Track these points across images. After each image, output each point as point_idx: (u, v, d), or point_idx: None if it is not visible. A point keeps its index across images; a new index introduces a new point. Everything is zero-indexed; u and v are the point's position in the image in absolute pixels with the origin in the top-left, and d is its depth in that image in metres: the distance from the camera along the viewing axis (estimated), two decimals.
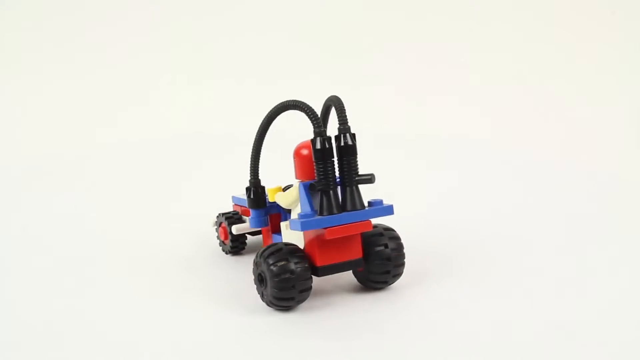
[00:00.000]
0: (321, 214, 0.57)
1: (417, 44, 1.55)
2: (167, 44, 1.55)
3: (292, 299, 0.58)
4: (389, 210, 0.59)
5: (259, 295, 0.61)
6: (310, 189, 0.59)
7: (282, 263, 0.57)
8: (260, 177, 0.68)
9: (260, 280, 0.59)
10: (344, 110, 0.59)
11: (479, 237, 0.80)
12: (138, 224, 0.92)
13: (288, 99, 0.61)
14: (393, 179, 1.08)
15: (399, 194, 0.98)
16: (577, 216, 0.88)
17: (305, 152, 0.61)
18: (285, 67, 1.53)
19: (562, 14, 1.53)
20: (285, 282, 0.57)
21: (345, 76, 1.50)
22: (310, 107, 0.59)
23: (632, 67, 1.45)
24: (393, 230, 0.64)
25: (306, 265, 0.58)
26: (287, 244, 0.60)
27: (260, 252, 0.59)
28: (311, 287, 0.59)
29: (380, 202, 0.60)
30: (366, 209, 0.58)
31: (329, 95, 0.61)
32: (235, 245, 0.75)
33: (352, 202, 0.58)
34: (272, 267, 0.57)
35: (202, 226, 0.86)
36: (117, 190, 1.11)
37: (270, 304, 0.59)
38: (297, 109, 0.60)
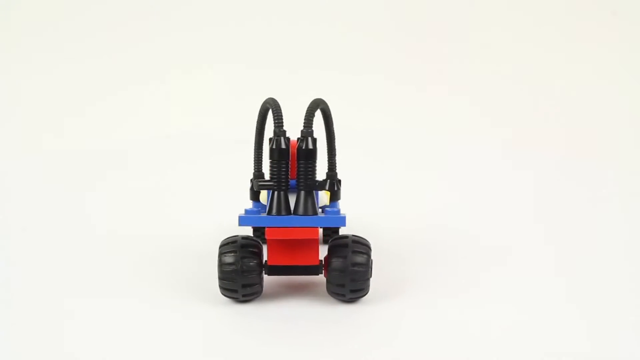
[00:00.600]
0: (268, 213, 0.57)
1: (417, 43, 1.55)
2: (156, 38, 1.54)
3: (235, 291, 0.59)
4: (339, 222, 0.57)
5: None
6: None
7: (226, 256, 0.59)
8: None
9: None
10: (311, 113, 0.59)
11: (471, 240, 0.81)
12: (143, 222, 0.91)
13: (268, 98, 0.62)
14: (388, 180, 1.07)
15: (398, 196, 0.97)
16: (572, 218, 0.89)
17: None
18: (282, 62, 1.52)
19: (562, 13, 1.53)
20: (226, 274, 0.59)
21: (345, 73, 1.50)
22: (277, 107, 0.59)
23: (633, 67, 1.45)
24: (364, 243, 0.60)
25: (254, 261, 0.59)
26: (247, 238, 0.60)
27: (221, 242, 0.61)
28: (257, 283, 0.59)
29: (337, 211, 0.59)
30: (314, 215, 0.57)
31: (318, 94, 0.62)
32: None
33: (299, 206, 0.57)
34: (218, 257, 0.59)
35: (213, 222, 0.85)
36: (115, 190, 1.09)
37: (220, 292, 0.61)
38: (269, 106, 0.60)
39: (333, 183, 0.67)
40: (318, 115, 0.63)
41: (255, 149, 0.70)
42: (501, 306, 0.61)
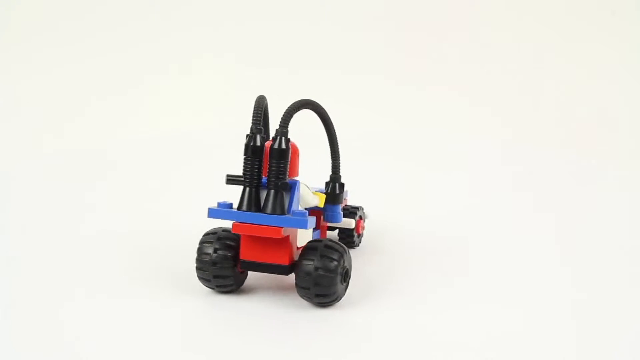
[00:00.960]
0: (237, 208, 0.58)
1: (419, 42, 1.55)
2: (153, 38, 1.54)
3: (208, 280, 0.61)
4: (301, 224, 0.57)
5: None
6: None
7: (204, 245, 0.61)
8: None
9: None
10: (288, 114, 0.59)
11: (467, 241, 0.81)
12: (139, 221, 0.91)
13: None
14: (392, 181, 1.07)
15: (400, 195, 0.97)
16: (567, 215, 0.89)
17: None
18: (281, 60, 1.52)
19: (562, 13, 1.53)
20: (200, 264, 0.61)
21: (345, 71, 1.50)
22: (258, 105, 0.59)
23: (632, 67, 1.45)
24: (336, 249, 0.59)
25: (228, 254, 0.60)
26: (227, 231, 0.62)
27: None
28: (229, 275, 0.60)
29: (304, 214, 0.58)
30: (278, 215, 0.57)
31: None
32: None
33: (267, 204, 0.58)
34: (199, 245, 0.61)
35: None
36: (114, 190, 1.09)
37: None
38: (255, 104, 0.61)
39: (335, 186, 0.68)
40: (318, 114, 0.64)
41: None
42: (480, 308, 0.60)
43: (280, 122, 0.58)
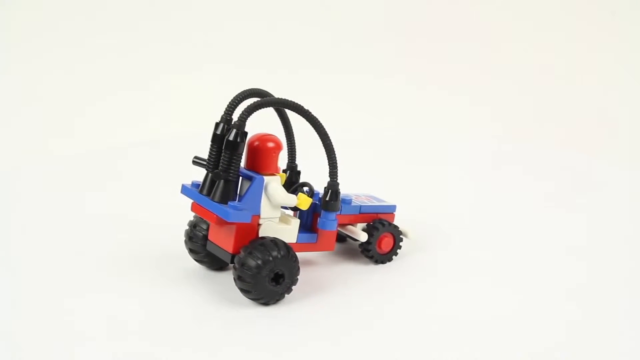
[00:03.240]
0: (199, 190, 0.64)
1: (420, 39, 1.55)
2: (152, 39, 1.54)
3: (188, 252, 0.69)
4: (222, 213, 0.60)
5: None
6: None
7: (190, 222, 0.69)
8: None
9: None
10: (248, 109, 0.60)
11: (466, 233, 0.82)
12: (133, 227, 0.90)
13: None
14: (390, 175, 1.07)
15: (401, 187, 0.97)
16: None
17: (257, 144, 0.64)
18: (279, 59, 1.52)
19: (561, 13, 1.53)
20: (185, 237, 0.69)
21: (345, 69, 1.49)
22: (236, 97, 0.63)
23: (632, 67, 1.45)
24: (270, 249, 0.60)
25: (203, 233, 0.67)
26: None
27: None
28: (203, 253, 0.67)
29: (235, 206, 0.60)
30: (216, 202, 0.61)
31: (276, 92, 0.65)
32: None
33: (212, 190, 0.62)
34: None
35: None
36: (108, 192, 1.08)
37: None
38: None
39: (327, 192, 0.66)
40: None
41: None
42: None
43: (239, 115, 0.60)
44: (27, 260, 0.73)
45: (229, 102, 0.63)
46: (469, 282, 0.69)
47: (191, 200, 0.65)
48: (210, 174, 0.63)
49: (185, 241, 0.69)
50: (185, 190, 0.66)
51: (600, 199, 0.99)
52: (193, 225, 0.68)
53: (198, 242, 0.67)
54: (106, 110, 1.45)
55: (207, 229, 0.67)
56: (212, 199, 0.61)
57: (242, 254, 0.60)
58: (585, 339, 0.57)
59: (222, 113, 0.62)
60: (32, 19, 1.53)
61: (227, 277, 0.68)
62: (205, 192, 0.63)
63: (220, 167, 0.61)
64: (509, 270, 0.73)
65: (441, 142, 1.35)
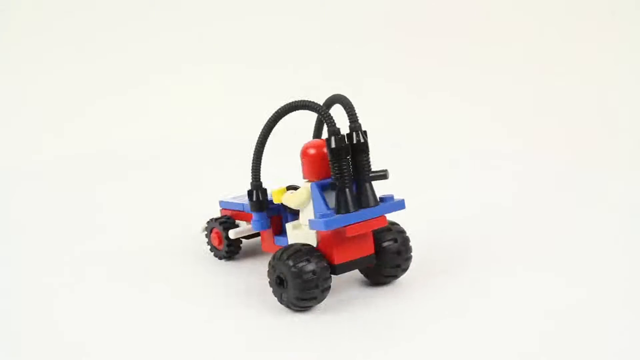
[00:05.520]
0: (339, 211, 0.58)
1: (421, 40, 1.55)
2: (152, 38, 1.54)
3: (315, 298, 0.58)
4: (401, 205, 0.61)
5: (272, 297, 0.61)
6: (330, 188, 0.59)
7: (303, 264, 0.58)
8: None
9: (278, 282, 0.59)
10: (353, 107, 0.59)
11: (481, 235, 0.81)
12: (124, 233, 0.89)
13: (296, 100, 0.61)
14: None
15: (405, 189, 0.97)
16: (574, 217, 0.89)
17: (312, 151, 0.61)
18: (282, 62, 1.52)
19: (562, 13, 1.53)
20: (308, 283, 0.57)
21: (346, 70, 1.50)
22: (323, 107, 0.60)
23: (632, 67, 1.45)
24: (397, 224, 0.65)
25: (325, 264, 0.59)
26: (304, 245, 0.60)
27: (278, 255, 0.59)
28: (330, 286, 0.59)
29: (391, 197, 0.61)
30: (380, 204, 0.60)
31: (334, 92, 0.62)
32: (231, 250, 0.74)
33: (367, 198, 0.59)
34: (293, 268, 0.57)
35: (189, 233, 0.84)
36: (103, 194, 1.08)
37: (291, 305, 0.59)
38: (308, 109, 0.61)
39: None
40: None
41: (254, 159, 0.67)
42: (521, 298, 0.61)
43: (350, 118, 0.59)
44: (27, 259, 0.73)
45: (329, 116, 0.59)
46: (468, 281, 0.69)
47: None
48: (347, 189, 0.58)
49: (310, 287, 0.58)
50: (336, 221, 0.58)
51: (601, 201, 0.99)
52: (312, 272, 0.58)
53: (325, 279, 0.59)
54: (106, 110, 1.45)
55: (322, 263, 0.59)
56: (374, 205, 0.59)
57: (395, 240, 0.63)
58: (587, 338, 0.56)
59: (329, 127, 0.58)
60: (31, 19, 1.53)
61: (227, 278, 0.68)
62: (354, 207, 0.58)
63: (364, 172, 0.59)
64: (508, 270, 0.72)
65: (441, 142, 1.35)
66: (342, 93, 0.61)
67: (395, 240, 0.63)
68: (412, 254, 0.64)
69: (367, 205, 0.59)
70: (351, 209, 0.58)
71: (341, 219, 0.57)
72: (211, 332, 0.57)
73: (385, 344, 0.54)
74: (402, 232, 0.64)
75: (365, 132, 0.59)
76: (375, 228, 0.60)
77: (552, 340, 0.54)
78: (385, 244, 0.62)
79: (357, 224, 0.58)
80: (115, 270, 0.71)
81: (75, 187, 1.08)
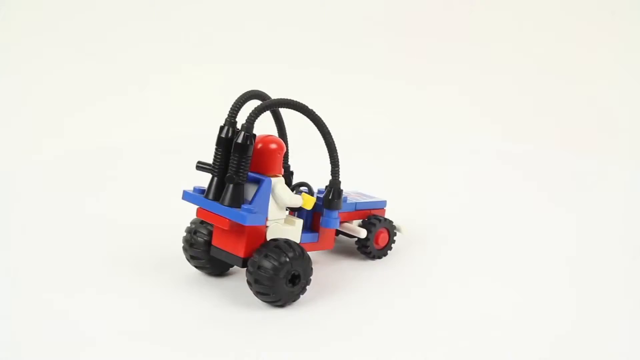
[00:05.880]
0: (205, 195, 0.62)
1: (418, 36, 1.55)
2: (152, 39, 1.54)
3: (188, 260, 0.67)
4: (241, 218, 0.59)
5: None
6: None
7: (188, 228, 0.67)
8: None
9: None
10: (256, 113, 0.60)
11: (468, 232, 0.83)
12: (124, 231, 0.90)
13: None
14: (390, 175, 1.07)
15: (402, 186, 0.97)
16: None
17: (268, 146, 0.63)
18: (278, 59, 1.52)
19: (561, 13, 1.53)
20: (184, 243, 0.67)
21: (346, 69, 1.50)
22: (237, 99, 0.62)
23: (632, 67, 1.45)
24: (285, 251, 0.60)
25: (205, 238, 0.65)
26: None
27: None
28: (204, 258, 0.65)
29: (249, 209, 0.59)
30: (227, 206, 0.60)
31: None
32: None
33: (224, 196, 0.61)
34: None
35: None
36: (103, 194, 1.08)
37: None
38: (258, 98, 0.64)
39: (330, 191, 0.66)
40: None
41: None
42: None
43: (247, 117, 0.60)
44: (26, 260, 0.73)
45: (232, 105, 0.62)
46: (468, 279, 0.69)
47: (195, 206, 0.64)
48: (215, 178, 0.61)
49: (185, 248, 0.67)
50: (188, 196, 0.64)
51: (598, 198, 0.99)
52: (193, 232, 0.66)
53: (200, 248, 0.66)
54: (105, 110, 1.45)
55: (208, 235, 0.65)
56: (223, 204, 0.60)
57: (256, 257, 0.60)
58: (584, 335, 0.57)
59: (226, 116, 0.61)
60: (31, 19, 1.53)
61: (228, 281, 0.68)
62: (212, 196, 0.61)
63: (229, 171, 0.60)
64: (505, 268, 0.73)
65: (440, 142, 1.35)
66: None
67: (257, 259, 0.60)
68: (267, 285, 0.60)
69: (219, 201, 0.61)
70: (207, 195, 0.62)
71: (192, 197, 0.63)
72: (210, 332, 0.57)
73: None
74: (272, 256, 0.60)
75: (249, 135, 0.60)
76: (213, 223, 0.62)
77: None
78: (254, 255, 0.60)
79: (203, 210, 0.62)
80: (115, 270, 0.71)
81: (75, 187, 1.08)
